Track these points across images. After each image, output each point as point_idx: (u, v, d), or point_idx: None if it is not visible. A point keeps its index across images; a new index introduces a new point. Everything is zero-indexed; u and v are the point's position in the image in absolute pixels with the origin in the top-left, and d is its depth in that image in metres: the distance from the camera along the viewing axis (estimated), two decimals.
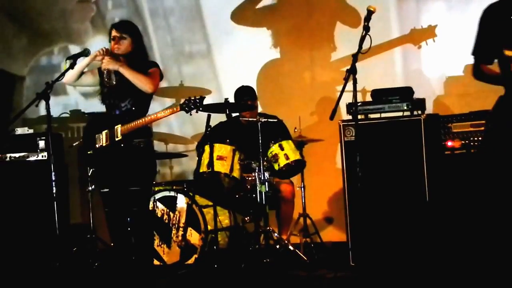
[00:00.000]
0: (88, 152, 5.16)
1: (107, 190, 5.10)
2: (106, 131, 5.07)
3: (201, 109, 5.04)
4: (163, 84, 7.11)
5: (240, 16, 7.13)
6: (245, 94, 6.13)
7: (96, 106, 5.96)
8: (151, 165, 5.25)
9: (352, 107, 5.03)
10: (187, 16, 7.39)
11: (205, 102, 5.72)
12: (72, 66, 4.96)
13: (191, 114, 5.04)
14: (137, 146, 5.06)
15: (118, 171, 5.04)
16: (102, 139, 5.08)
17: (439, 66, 6.46)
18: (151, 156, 5.27)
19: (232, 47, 7.16)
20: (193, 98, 5.03)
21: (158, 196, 5.90)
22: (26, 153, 6.07)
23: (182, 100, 5.02)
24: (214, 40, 7.29)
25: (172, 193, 5.89)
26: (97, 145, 5.10)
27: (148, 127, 5.17)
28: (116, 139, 5.02)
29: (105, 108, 5.24)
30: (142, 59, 5.23)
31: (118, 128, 5.03)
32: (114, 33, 5.21)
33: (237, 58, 7.12)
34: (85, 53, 5.13)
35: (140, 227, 5.17)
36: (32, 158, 6.13)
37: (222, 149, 5.63)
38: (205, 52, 7.34)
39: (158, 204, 5.88)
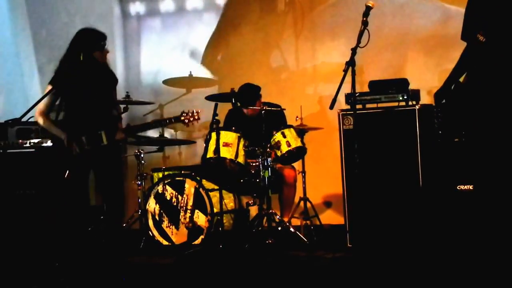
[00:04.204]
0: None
1: None
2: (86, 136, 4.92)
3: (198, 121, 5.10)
4: (173, 75, 7.29)
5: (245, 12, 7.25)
6: (241, 94, 6.08)
7: None
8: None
9: (350, 97, 5.08)
10: None
11: (212, 92, 6.00)
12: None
13: (188, 126, 5.10)
14: (120, 146, 5.17)
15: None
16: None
17: (434, 59, 6.56)
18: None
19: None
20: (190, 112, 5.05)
21: (167, 180, 6.01)
22: (41, 139, 6.04)
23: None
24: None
25: (181, 177, 6.01)
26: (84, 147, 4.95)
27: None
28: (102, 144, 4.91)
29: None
30: None
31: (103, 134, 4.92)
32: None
33: (241, 51, 7.24)
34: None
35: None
36: (48, 144, 6.04)
37: (228, 136, 5.71)
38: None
39: (167, 187, 5.97)
